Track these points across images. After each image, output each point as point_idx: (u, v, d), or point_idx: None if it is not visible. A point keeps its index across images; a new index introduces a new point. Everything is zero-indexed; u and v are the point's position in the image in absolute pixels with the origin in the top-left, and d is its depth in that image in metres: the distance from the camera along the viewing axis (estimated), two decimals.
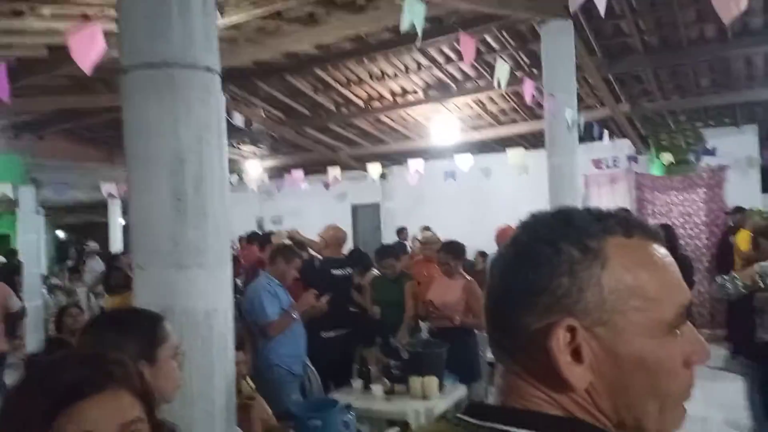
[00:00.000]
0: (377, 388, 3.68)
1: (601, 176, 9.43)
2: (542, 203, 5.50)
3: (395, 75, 8.29)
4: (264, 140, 11.15)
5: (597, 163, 9.19)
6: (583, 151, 6.60)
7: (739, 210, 7.54)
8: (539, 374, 0.61)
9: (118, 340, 1.37)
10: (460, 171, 9.38)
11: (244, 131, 9.14)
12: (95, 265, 9.18)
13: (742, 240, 6.10)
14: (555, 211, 0.67)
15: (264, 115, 9.47)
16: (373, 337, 4.30)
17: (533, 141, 9.65)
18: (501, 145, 9.87)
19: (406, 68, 8.10)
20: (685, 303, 0.63)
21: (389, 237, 10.84)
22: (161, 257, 2.13)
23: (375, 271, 5.43)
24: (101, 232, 13.42)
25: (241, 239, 7.27)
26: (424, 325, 4.81)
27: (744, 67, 7.67)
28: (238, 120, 7.60)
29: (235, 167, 10.99)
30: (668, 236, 5.43)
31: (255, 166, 11.53)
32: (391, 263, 5.09)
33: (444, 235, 5.45)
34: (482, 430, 0.61)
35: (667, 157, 9.13)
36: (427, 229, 8.18)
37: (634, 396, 0.61)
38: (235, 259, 5.95)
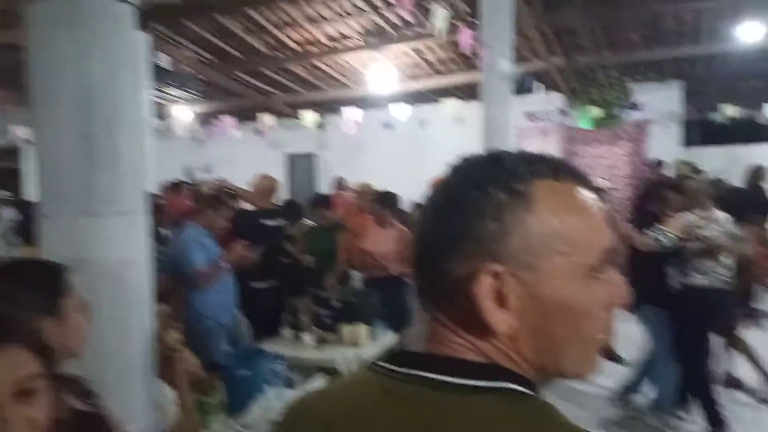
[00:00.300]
0: (308, 337, 3.68)
1: (533, 129, 9.59)
2: None
3: (332, 18, 8.01)
4: (193, 84, 10.64)
5: (530, 116, 9.33)
6: (516, 103, 6.67)
7: (658, 163, 7.89)
8: (463, 321, 0.61)
9: (16, 293, 1.28)
10: (399, 121, 9.30)
11: (172, 74, 8.67)
12: (5, 214, 8.61)
13: None
14: (485, 155, 0.65)
15: (193, 58, 8.99)
16: (305, 287, 4.28)
17: (471, 92, 9.67)
18: (439, 95, 9.84)
19: (344, 12, 7.84)
20: (608, 247, 0.62)
21: (326, 187, 10.73)
22: (70, 205, 1.97)
23: (309, 222, 5.36)
24: (14, 179, 12.59)
25: (167, 188, 6.96)
26: (356, 275, 4.84)
27: (674, 23, 7.89)
28: (165, 61, 7.18)
29: (162, 112, 10.48)
30: None
31: (184, 112, 11.02)
32: (325, 213, 5.04)
33: (382, 186, 5.42)
34: (401, 377, 0.61)
35: (596, 112, 9.39)
36: (341, 181, 8.16)
37: (556, 340, 0.61)
38: (162, 209, 5.72)
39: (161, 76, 8.23)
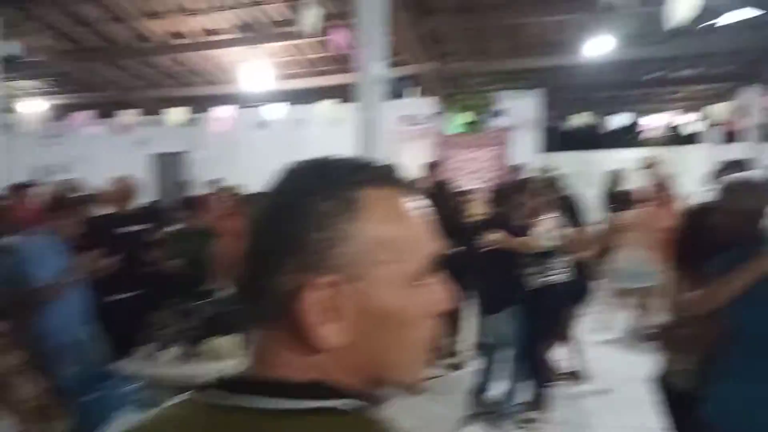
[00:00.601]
0: (171, 353, 3.46)
1: (408, 133, 9.83)
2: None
3: (203, 10, 7.65)
4: (47, 75, 9.69)
5: (405, 120, 9.57)
6: (392, 106, 6.79)
7: (518, 168, 8.41)
8: (293, 337, 0.59)
9: None
10: (275, 120, 9.13)
11: (22, 63, 7.82)
12: None
13: None
14: (313, 161, 0.64)
15: (47, 46, 8.17)
16: (170, 297, 4.02)
17: (348, 93, 9.70)
18: (317, 95, 9.76)
19: (215, 4, 7.52)
20: (432, 254, 0.63)
21: (197, 189, 10.23)
22: None
23: (176, 226, 5.08)
24: None
25: (12, 190, 6.26)
26: (225, 283, 4.65)
27: (533, 34, 8.45)
28: (13, 49, 6.46)
29: (10, 105, 9.44)
30: (445, 193, 5.87)
31: (36, 105, 10.01)
32: (194, 216, 4.80)
33: (257, 187, 5.24)
34: (225, 406, 0.58)
35: (464, 117, 9.84)
36: (213, 183, 7.93)
37: (385, 349, 0.61)
38: (5, 214, 5.14)
39: (10, 65, 7.41)
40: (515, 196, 4.12)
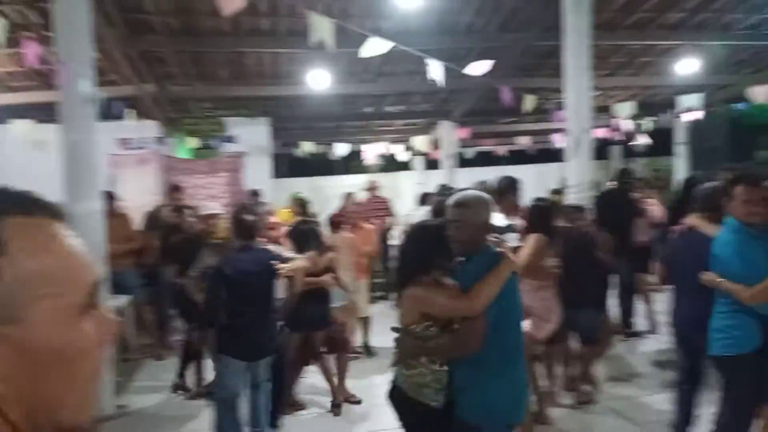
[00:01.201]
0: None
1: (129, 157, 9.14)
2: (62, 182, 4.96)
3: None
4: None
5: (123, 143, 8.88)
6: (107, 129, 6.21)
7: (254, 193, 8.47)
8: None
9: None
10: None
11: None
12: None
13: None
14: None
15: None
16: None
17: (50, 113, 8.56)
18: (14, 113, 8.40)
19: None
20: (94, 282, 0.59)
21: None
22: None
23: None
24: None
25: None
26: None
27: (255, 64, 8.62)
28: None
29: None
30: (184, 217, 5.63)
31: None
32: None
33: None
34: None
35: (193, 142, 9.56)
36: None
37: (52, 392, 0.55)
38: None
39: None
40: (256, 222, 3.96)
